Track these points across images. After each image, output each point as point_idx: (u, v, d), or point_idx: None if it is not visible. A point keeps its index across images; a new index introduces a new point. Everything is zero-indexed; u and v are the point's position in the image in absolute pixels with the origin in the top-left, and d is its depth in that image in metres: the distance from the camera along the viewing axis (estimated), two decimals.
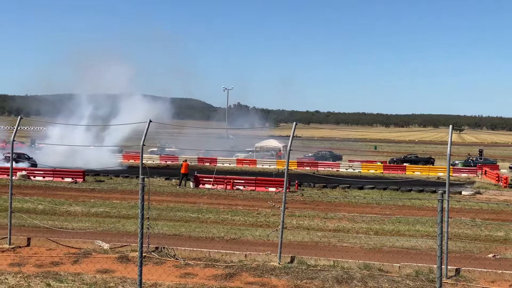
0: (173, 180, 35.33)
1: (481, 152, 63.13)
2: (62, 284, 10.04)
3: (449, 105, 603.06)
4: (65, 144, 39.37)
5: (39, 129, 63.97)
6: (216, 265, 11.79)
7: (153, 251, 12.61)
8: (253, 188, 32.28)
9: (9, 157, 42.13)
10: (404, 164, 56.58)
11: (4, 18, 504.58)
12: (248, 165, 53.48)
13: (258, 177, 34.67)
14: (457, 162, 58.21)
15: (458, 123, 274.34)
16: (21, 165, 40.85)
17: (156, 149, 63.69)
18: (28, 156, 45.57)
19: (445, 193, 9.79)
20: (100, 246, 13.28)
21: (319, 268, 11.63)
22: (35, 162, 45.54)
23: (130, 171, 41.81)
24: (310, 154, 65.18)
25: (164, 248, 12.75)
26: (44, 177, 35.82)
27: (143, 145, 12.94)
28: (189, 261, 12.06)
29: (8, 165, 39.13)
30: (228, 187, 32.31)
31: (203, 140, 73.98)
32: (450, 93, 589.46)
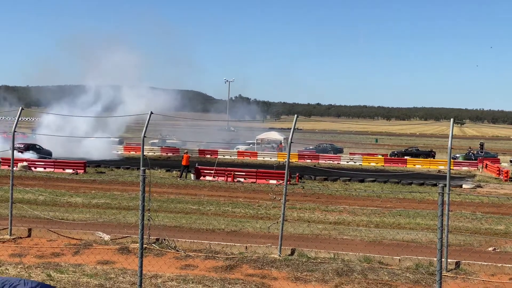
0: (174, 172, 35.36)
1: (482, 145, 63.17)
2: (62, 275, 10.07)
3: (450, 98, 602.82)
4: (64, 135, 39.30)
5: (38, 120, 63.82)
6: (217, 257, 11.80)
7: (153, 243, 12.62)
8: (254, 180, 32.29)
9: (19, 147, 41.94)
10: (405, 157, 56.58)
11: (5, 9, 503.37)
12: (249, 158, 53.49)
13: (259, 170, 34.66)
14: (458, 155, 58.18)
15: (460, 116, 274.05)
16: (34, 156, 40.58)
17: (157, 140, 63.73)
18: (40, 146, 44.89)
19: (445, 186, 9.78)
20: (100, 237, 13.30)
21: (319, 260, 11.64)
22: (50, 152, 45.03)
23: (126, 163, 41.69)
24: (311, 147, 65.21)
25: (164, 239, 12.77)
26: (45, 168, 35.83)
27: (144, 136, 12.94)
28: (189, 252, 12.08)
29: (20, 156, 39.00)
30: (229, 179, 32.33)
31: (204, 132, 74.04)
32: (451, 87, 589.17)
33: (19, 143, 43.56)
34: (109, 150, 51.27)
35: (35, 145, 44.80)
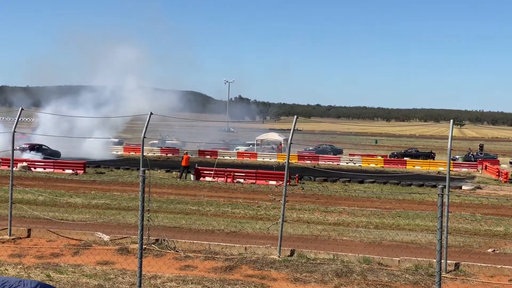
0: (174, 173, 35.35)
1: (481, 147, 63.14)
2: (62, 276, 10.07)
3: (450, 99, 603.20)
4: (63, 135, 39.24)
5: (37, 120, 63.66)
6: (216, 257, 11.81)
7: (153, 243, 12.63)
8: (254, 181, 32.28)
9: (24, 148, 41.68)
10: (405, 158, 56.55)
11: (5, 8, 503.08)
12: (248, 158, 53.45)
13: (259, 170, 34.64)
14: (457, 156, 58.17)
15: (459, 117, 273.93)
16: (39, 157, 40.19)
17: (157, 141, 63.72)
18: (47, 147, 44.11)
19: (445, 187, 9.79)
20: (100, 237, 13.30)
21: (318, 261, 11.65)
22: (58, 153, 44.50)
23: (126, 163, 41.52)
24: (310, 148, 65.22)
25: (164, 240, 12.77)
26: (44, 168, 35.79)
27: (144, 137, 12.95)
28: (189, 253, 12.09)
29: (25, 156, 38.80)
30: (229, 180, 32.33)
31: (204, 133, 74.05)
32: (451, 88, 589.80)
33: (24, 144, 43.29)
34: (107, 150, 51.28)
35: (41, 145, 43.77)
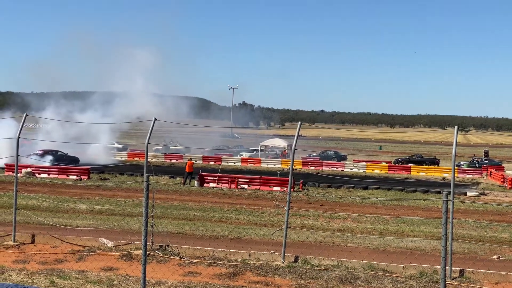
0: (178, 179, 35.37)
1: (486, 153, 63.01)
2: (66, 282, 10.06)
3: (454, 105, 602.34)
4: (67, 141, 39.32)
5: (41, 126, 63.82)
6: (220, 264, 11.78)
7: (157, 249, 12.62)
8: (258, 187, 32.26)
9: (39, 153, 41.67)
10: (409, 164, 56.48)
11: (8, 10, 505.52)
12: (252, 164, 53.46)
13: (263, 176, 34.62)
14: (462, 163, 58.04)
15: (464, 123, 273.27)
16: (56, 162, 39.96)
17: (160, 147, 63.81)
18: (64, 153, 43.83)
19: (450, 194, 9.76)
20: (104, 243, 13.30)
21: (323, 268, 11.61)
22: (77, 159, 44.02)
23: (130, 169, 41.42)
24: (315, 154, 65.18)
25: (168, 246, 12.76)
26: (49, 174, 35.87)
27: (148, 143, 12.96)
28: (193, 259, 12.06)
29: (41, 163, 38.76)
30: (233, 186, 32.31)
31: (208, 139, 74.16)
32: (455, 94, 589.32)
33: (39, 150, 43.17)
34: (111, 156, 51.37)
35: (57, 151, 43.50)
